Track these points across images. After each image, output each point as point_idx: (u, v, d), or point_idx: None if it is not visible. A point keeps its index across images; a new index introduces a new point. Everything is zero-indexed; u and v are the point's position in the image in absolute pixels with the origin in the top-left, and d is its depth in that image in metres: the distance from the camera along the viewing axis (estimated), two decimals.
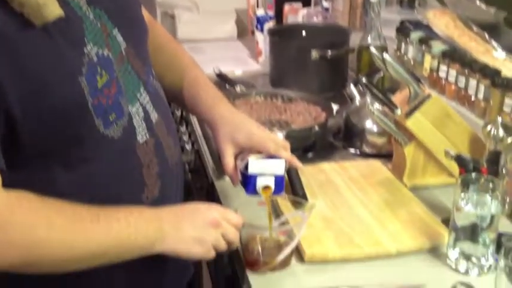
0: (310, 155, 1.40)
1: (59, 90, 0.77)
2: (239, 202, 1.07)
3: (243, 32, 2.39)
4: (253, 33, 2.18)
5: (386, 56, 1.17)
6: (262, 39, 2.02)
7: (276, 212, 1.09)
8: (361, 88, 1.53)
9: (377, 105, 1.26)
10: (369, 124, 1.42)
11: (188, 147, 1.68)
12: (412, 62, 1.67)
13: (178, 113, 1.87)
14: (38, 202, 0.76)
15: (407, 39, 1.68)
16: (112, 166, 0.86)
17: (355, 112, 1.48)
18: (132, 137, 0.88)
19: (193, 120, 1.64)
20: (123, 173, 0.88)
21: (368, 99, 1.45)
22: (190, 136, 1.69)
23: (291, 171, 1.17)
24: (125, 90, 0.88)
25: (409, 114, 1.20)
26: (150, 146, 0.91)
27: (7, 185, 0.75)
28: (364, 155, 1.41)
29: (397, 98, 1.28)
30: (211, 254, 0.89)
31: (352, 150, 1.44)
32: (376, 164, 1.33)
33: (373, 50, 1.18)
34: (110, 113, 0.84)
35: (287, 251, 0.95)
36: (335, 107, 1.47)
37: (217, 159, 1.33)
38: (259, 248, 0.96)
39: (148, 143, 0.90)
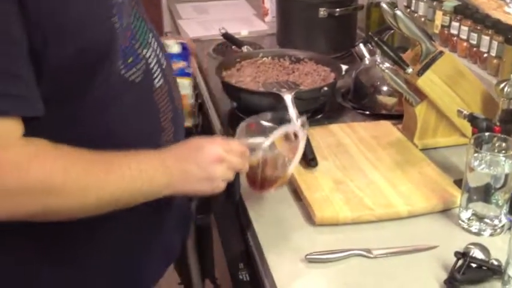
0: (319, 116, 1.38)
1: (95, 30, 0.78)
2: None
3: None
4: None
5: (397, 11, 1.13)
6: None
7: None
8: (370, 47, 1.50)
9: (387, 64, 1.23)
10: (379, 84, 1.39)
11: (195, 110, 1.65)
12: (422, 20, 1.63)
13: None
14: (55, 151, 0.77)
15: None
16: (132, 109, 0.87)
17: (364, 72, 1.45)
18: (151, 81, 0.90)
19: (200, 81, 1.62)
20: (142, 116, 0.89)
21: (378, 57, 1.42)
22: (197, 98, 1.67)
23: None
24: (138, 35, 0.89)
25: (420, 72, 1.17)
26: (164, 91, 0.92)
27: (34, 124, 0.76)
28: (374, 116, 1.39)
29: (407, 56, 1.25)
30: (221, 187, 0.91)
31: (361, 111, 1.42)
32: (386, 125, 1.30)
33: (384, 5, 1.15)
34: (129, 56, 0.85)
35: (295, 161, 0.96)
36: (344, 66, 1.44)
37: (226, 119, 1.31)
38: (261, 168, 0.96)
39: (162, 88, 0.92)
